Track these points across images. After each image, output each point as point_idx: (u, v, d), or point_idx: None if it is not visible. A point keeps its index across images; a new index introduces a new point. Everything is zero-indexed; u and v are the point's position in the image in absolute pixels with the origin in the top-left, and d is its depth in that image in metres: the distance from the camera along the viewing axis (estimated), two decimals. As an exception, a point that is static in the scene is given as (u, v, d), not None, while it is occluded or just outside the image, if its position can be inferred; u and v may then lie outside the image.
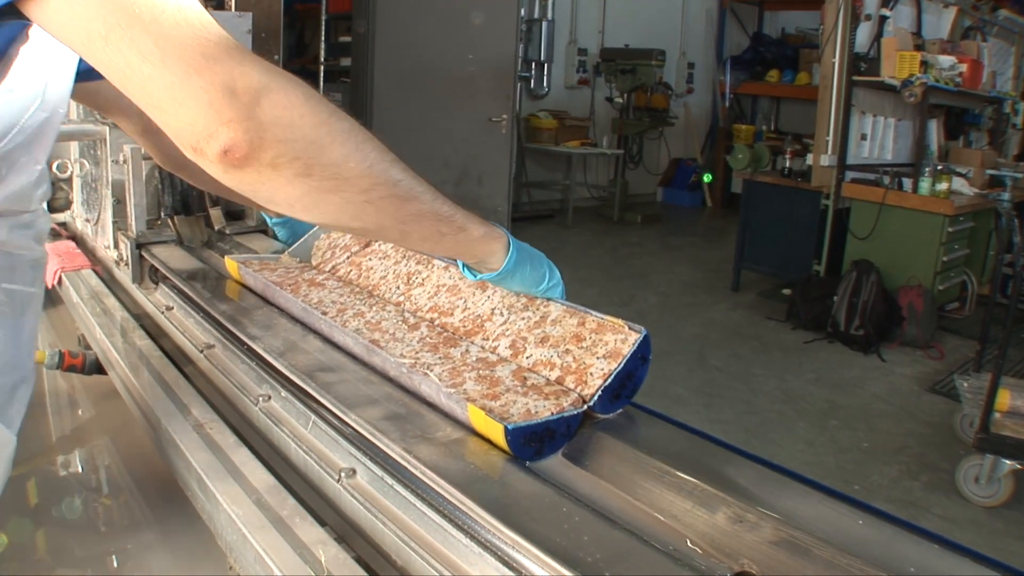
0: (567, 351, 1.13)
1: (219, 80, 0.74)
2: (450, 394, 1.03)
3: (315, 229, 1.79)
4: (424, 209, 0.97)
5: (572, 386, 1.07)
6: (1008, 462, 3.45)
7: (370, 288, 1.50)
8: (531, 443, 0.96)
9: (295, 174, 0.80)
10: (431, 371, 1.11)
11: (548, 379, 1.10)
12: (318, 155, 0.80)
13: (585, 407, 1.03)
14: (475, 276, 1.15)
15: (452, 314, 1.32)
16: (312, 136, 0.79)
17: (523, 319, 1.24)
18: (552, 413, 1.00)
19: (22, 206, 1.08)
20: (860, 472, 3.84)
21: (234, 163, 0.76)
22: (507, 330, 1.23)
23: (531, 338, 1.19)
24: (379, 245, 1.67)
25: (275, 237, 2.01)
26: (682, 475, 0.91)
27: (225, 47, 0.76)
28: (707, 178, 6.72)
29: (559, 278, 1.23)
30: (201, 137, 0.75)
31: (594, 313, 1.20)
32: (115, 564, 1.48)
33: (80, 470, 1.82)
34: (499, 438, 0.95)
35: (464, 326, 1.28)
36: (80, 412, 2.08)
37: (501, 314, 1.26)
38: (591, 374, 1.07)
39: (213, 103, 0.73)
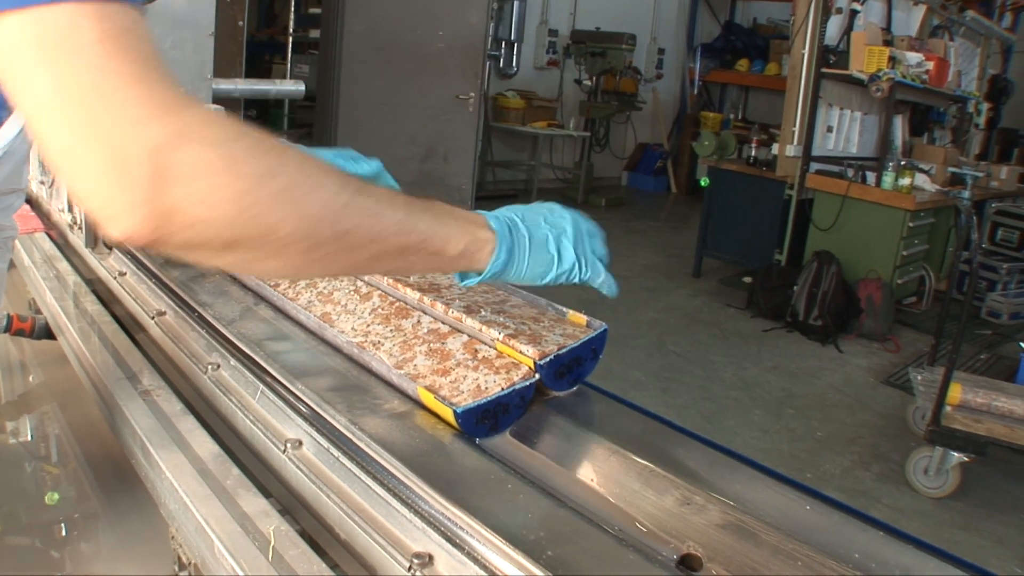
0: (523, 323, 1.12)
1: (114, 148, 0.61)
2: (400, 375, 1.02)
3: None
4: (384, 248, 0.82)
5: (524, 344, 1.05)
6: (956, 454, 3.50)
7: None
8: (483, 421, 0.95)
9: (215, 251, 0.69)
10: (381, 346, 1.10)
11: (499, 339, 1.08)
12: (242, 231, 0.68)
13: (536, 377, 1.02)
14: (462, 281, 1.00)
15: (408, 275, 1.29)
16: (232, 213, 0.66)
17: (482, 296, 1.22)
18: (503, 388, 0.99)
19: (14, 185, 1.06)
20: (813, 461, 3.88)
21: (141, 244, 0.65)
22: (463, 297, 1.21)
23: (488, 307, 1.17)
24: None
25: None
26: (632, 456, 0.90)
27: (131, 94, 0.62)
28: (704, 182, 6.73)
29: (573, 260, 1.04)
30: (98, 216, 0.63)
31: (556, 307, 1.19)
32: (63, 533, 1.46)
33: (29, 437, 1.79)
34: (450, 419, 0.94)
35: (420, 287, 1.25)
36: (31, 378, 2.04)
37: (459, 288, 1.25)
38: (546, 340, 1.06)
39: (104, 181, 0.61)
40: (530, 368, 1.03)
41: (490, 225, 0.96)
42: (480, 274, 0.96)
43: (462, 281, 0.99)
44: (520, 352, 1.04)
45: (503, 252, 0.96)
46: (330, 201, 0.75)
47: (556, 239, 1.02)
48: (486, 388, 0.98)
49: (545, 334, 1.08)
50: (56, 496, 1.46)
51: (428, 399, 0.97)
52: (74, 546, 1.35)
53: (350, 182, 0.78)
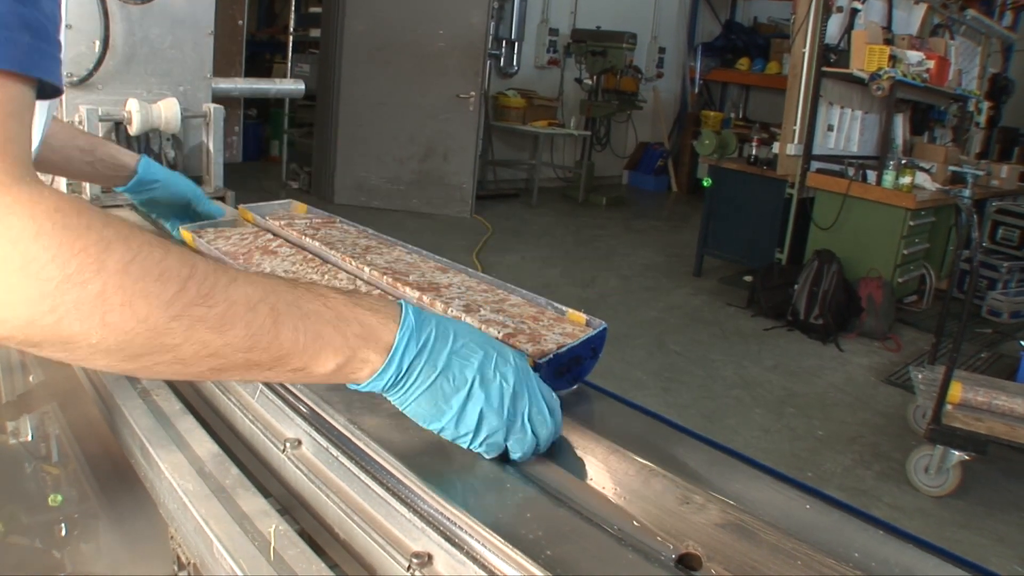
0: (523, 322, 1.12)
1: None
2: None
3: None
4: (226, 364, 0.72)
5: (524, 343, 1.05)
6: (957, 453, 3.50)
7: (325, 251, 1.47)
8: None
9: (19, 344, 0.64)
10: None
11: (498, 338, 1.07)
12: (40, 335, 0.62)
13: (535, 365, 1.01)
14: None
15: (407, 276, 1.29)
16: (26, 317, 0.61)
17: (481, 296, 1.22)
18: None
19: None
20: (814, 460, 3.88)
21: None
22: (463, 296, 1.21)
23: (488, 306, 1.17)
24: (340, 223, 1.65)
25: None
26: (631, 455, 0.90)
27: None
28: (706, 182, 6.73)
29: (474, 424, 0.85)
30: None
31: (555, 305, 1.19)
32: (63, 533, 1.46)
33: (30, 437, 1.79)
34: None
35: (420, 286, 1.25)
36: (31, 378, 2.04)
37: (459, 288, 1.25)
38: (545, 340, 1.06)
39: None
40: (531, 358, 1.01)
41: (391, 339, 0.82)
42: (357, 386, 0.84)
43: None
44: (519, 351, 1.04)
45: (389, 376, 0.82)
46: (151, 314, 0.65)
47: (471, 392, 0.85)
48: None
49: (544, 333, 1.08)
50: (59, 498, 1.46)
51: None
52: (74, 546, 1.35)
53: (193, 280, 0.68)
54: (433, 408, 0.84)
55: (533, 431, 0.88)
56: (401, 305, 0.84)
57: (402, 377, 0.82)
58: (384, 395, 0.85)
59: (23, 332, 0.61)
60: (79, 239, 0.61)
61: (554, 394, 0.92)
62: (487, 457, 0.88)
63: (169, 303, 0.66)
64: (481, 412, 0.85)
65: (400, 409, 0.86)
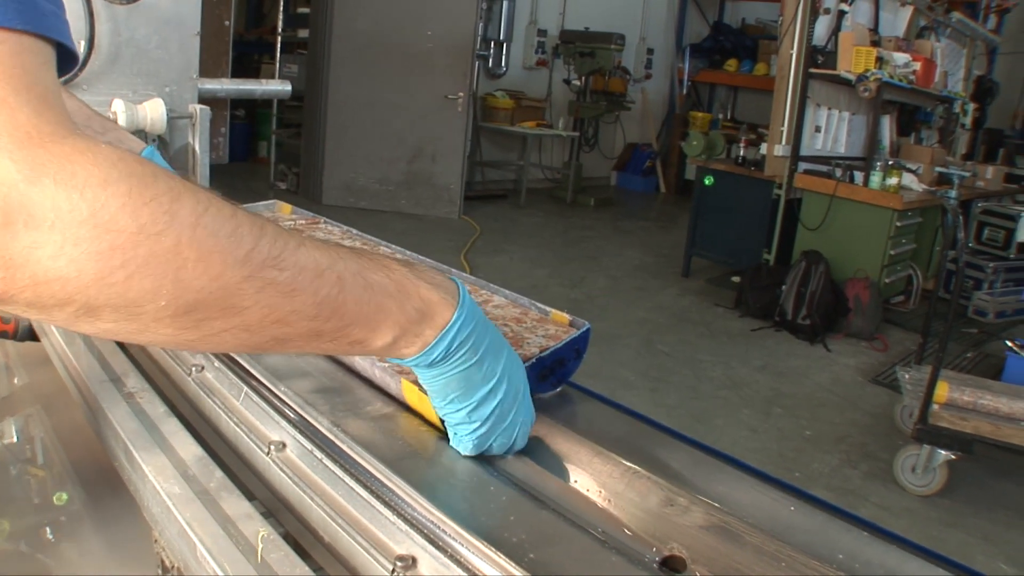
0: (505, 325, 1.12)
1: None
2: (384, 367, 1.01)
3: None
4: (290, 333, 0.69)
5: None
6: (943, 452, 3.52)
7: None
8: None
9: (72, 316, 0.58)
10: None
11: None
12: (105, 297, 0.57)
13: None
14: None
15: None
16: (93, 274, 0.55)
17: (465, 296, 1.22)
18: None
19: None
20: (801, 460, 3.89)
21: None
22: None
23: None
24: (324, 223, 1.65)
25: None
26: (615, 457, 0.90)
27: None
28: (708, 180, 6.74)
29: (500, 401, 0.86)
30: None
31: (538, 306, 1.18)
32: (49, 536, 1.45)
33: (15, 439, 1.78)
34: (431, 410, 0.93)
35: None
36: (16, 380, 2.03)
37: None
38: (528, 343, 1.06)
39: None
40: None
41: (447, 319, 0.81)
42: (397, 360, 0.82)
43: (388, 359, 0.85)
44: None
45: (437, 354, 0.81)
46: (225, 270, 0.62)
47: (494, 387, 0.86)
48: None
49: (527, 336, 1.08)
50: (64, 496, 1.46)
51: (411, 393, 0.96)
52: (59, 549, 1.35)
53: (264, 240, 0.65)
54: (458, 391, 0.85)
55: (516, 431, 0.90)
56: (456, 283, 0.84)
57: (446, 357, 0.82)
58: (414, 369, 0.84)
59: (86, 293, 0.56)
60: (148, 188, 0.57)
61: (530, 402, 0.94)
62: (467, 452, 0.89)
63: (242, 262, 0.62)
64: (496, 407, 0.86)
65: (421, 382, 0.86)
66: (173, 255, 0.58)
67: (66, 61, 0.65)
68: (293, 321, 0.68)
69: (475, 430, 0.87)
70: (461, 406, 0.85)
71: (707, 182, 6.84)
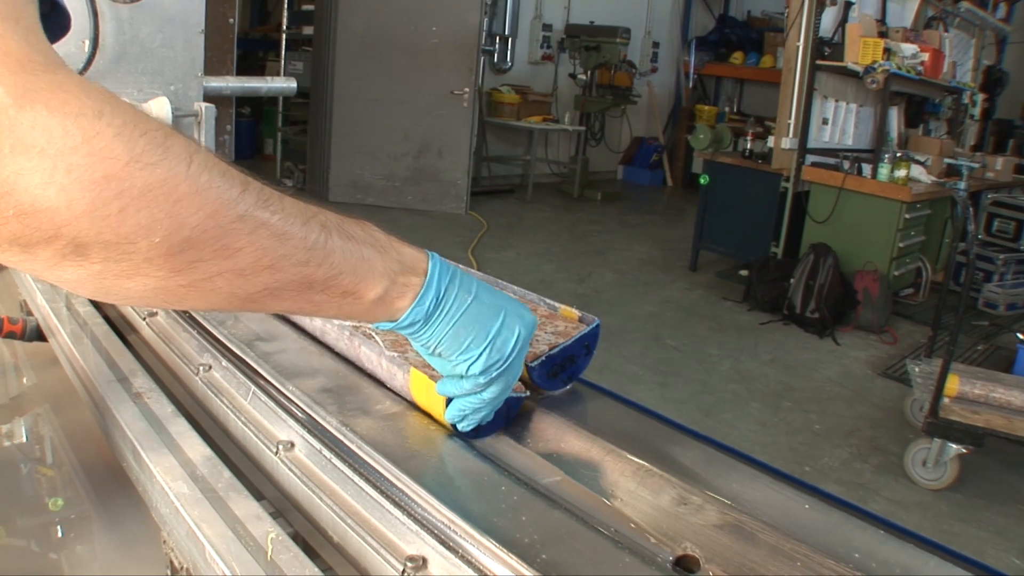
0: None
1: None
2: (393, 357, 1.00)
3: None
4: (283, 280, 0.68)
5: None
6: (954, 446, 3.50)
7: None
8: None
9: (57, 255, 0.55)
10: (372, 339, 1.08)
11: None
12: (96, 230, 0.54)
13: (527, 394, 1.00)
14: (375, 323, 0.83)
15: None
16: (85, 204, 0.53)
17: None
18: None
19: None
20: (812, 454, 3.88)
21: None
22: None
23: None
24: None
25: None
26: (627, 455, 0.89)
27: None
28: (703, 179, 6.73)
29: (510, 353, 0.85)
30: None
31: (548, 301, 1.17)
32: (59, 535, 1.45)
33: (24, 439, 1.78)
34: (439, 407, 0.92)
35: None
36: (24, 380, 2.03)
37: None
38: (537, 340, 1.05)
39: None
40: (520, 385, 0.99)
41: (425, 266, 0.81)
42: (395, 322, 0.81)
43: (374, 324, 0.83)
44: None
45: (430, 299, 0.80)
46: (220, 208, 0.61)
47: (506, 318, 0.85)
48: None
49: (537, 333, 1.07)
50: (60, 502, 1.45)
51: (419, 381, 0.95)
52: (70, 549, 1.34)
53: (251, 186, 0.65)
54: (472, 334, 0.83)
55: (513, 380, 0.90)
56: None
57: (441, 300, 0.81)
58: (420, 334, 0.83)
59: (76, 226, 0.54)
60: (142, 122, 0.57)
61: None
62: (467, 391, 0.87)
63: (236, 200, 0.62)
64: (517, 338, 0.85)
65: (434, 347, 0.84)
66: (170, 188, 0.57)
67: (57, 27, 0.64)
68: (285, 266, 0.67)
69: (501, 370, 0.85)
70: (482, 347, 0.84)
71: (703, 181, 6.82)
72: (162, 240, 0.58)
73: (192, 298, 0.64)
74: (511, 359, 0.85)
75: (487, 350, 0.84)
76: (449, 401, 0.91)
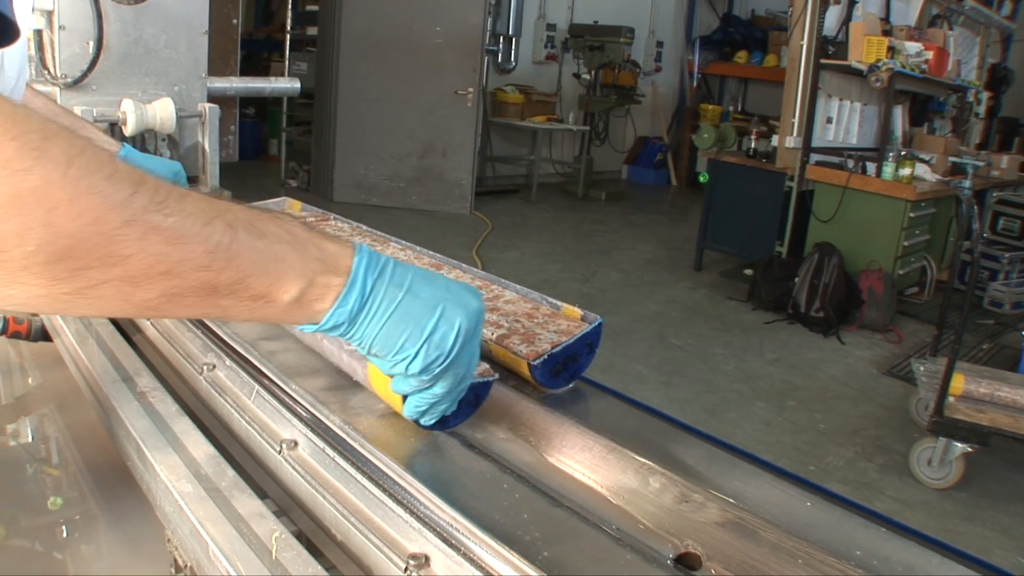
0: (517, 321, 1.11)
1: None
2: (353, 351, 0.97)
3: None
4: (182, 286, 0.64)
5: (518, 344, 1.04)
6: (960, 445, 3.50)
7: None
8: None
9: None
10: None
11: (492, 340, 1.06)
12: None
13: (495, 376, 0.96)
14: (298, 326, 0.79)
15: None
16: None
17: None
18: None
19: None
20: (816, 453, 3.87)
21: None
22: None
23: (482, 306, 1.17)
24: (334, 220, 1.64)
25: None
26: (629, 453, 0.89)
27: None
28: (703, 178, 6.73)
29: (450, 348, 0.80)
30: None
31: (550, 300, 1.17)
32: (64, 534, 1.46)
33: (30, 439, 1.78)
34: (399, 402, 0.90)
35: None
36: (30, 380, 2.04)
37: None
38: (540, 339, 1.05)
39: None
40: (488, 368, 0.96)
41: (349, 264, 0.76)
42: (317, 324, 0.77)
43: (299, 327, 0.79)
44: (514, 353, 1.03)
45: (353, 300, 0.76)
46: (104, 213, 0.57)
47: (444, 311, 0.80)
48: None
49: (539, 331, 1.07)
50: (60, 501, 1.46)
51: (377, 377, 0.92)
52: (75, 548, 1.35)
53: (144, 188, 0.61)
54: (406, 331, 0.78)
55: (467, 372, 0.85)
56: (353, 242, 0.79)
57: (367, 300, 0.77)
58: (348, 336, 0.79)
59: None
60: (17, 125, 0.54)
61: None
62: (415, 388, 0.84)
63: (122, 205, 0.58)
64: (458, 331, 0.80)
65: (367, 347, 0.80)
66: (42, 195, 0.54)
67: (4, 33, 0.64)
68: (183, 272, 0.63)
69: (442, 366, 0.80)
70: (418, 345, 0.79)
71: (703, 180, 6.82)
72: (37, 249, 0.55)
73: (80, 306, 0.61)
74: (453, 354, 0.80)
75: (424, 348, 0.79)
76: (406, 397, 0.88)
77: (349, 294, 0.75)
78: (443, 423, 0.91)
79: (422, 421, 0.89)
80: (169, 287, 0.64)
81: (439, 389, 0.84)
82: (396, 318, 0.78)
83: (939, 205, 6.19)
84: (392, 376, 0.85)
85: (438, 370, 0.81)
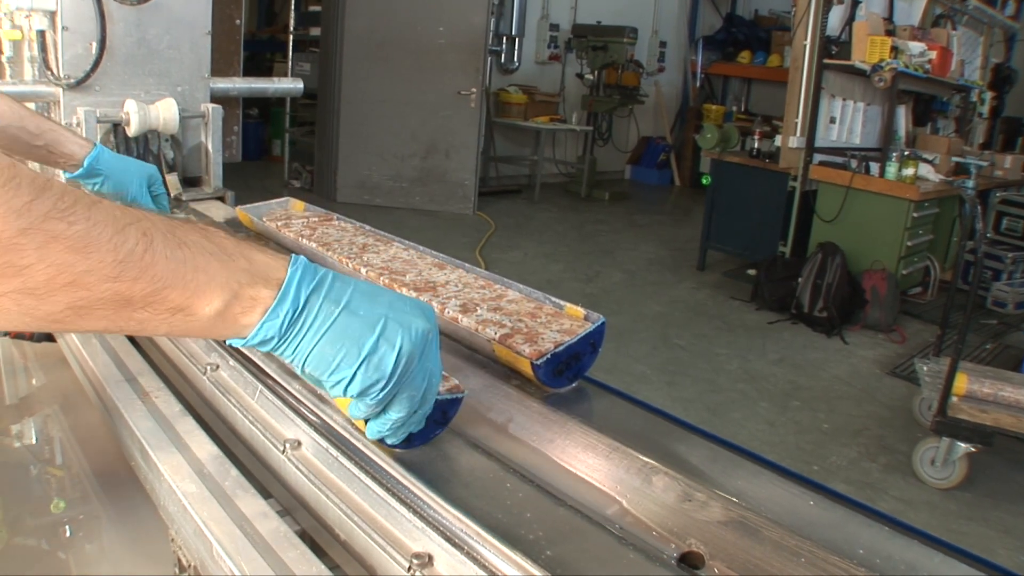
0: (520, 321, 1.11)
1: None
2: None
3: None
4: (90, 298, 0.61)
5: (521, 344, 1.04)
6: (963, 445, 3.49)
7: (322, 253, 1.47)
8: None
9: None
10: None
11: (495, 339, 1.06)
12: None
13: (464, 393, 0.93)
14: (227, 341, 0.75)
15: (404, 275, 1.28)
16: None
17: (478, 293, 1.22)
18: (439, 393, 0.89)
19: None
20: (820, 453, 3.87)
21: None
22: (460, 295, 1.20)
23: (484, 304, 1.16)
24: (337, 220, 1.64)
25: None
26: (632, 452, 0.89)
27: None
28: (705, 180, 6.74)
29: (391, 368, 0.75)
30: None
31: (553, 300, 1.17)
32: (68, 534, 1.46)
33: (34, 440, 1.79)
34: (361, 423, 0.88)
35: (416, 286, 1.24)
36: (33, 381, 2.04)
37: (456, 285, 1.24)
38: (543, 339, 1.05)
39: None
40: (457, 385, 0.93)
41: (281, 276, 0.72)
42: (244, 339, 0.72)
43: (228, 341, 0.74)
44: (517, 353, 1.03)
45: (284, 314, 0.71)
46: (21, 212, 0.55)
47: (383, 331, 0.74)
48: None
49: (542, 331, 1.08)
50: (63, 504, 1.46)
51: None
52: (79, 548, 1.35)
53: (47, 194, 0.58)
54: (341, 350, 0.73)
55: (424, 394, 0.80)
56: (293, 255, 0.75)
57: (299, 315, 0.72)
58: (279, 352, 0.74)
59: None
60: None
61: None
62: (367, 413, 0.79)
63: (19, 212, 0.55)
64: (398, 356, 0.74)
65: (300, 366, 0.75)
66: None
67: None
68: (90, 283, 0.60)
69: (381, 391, 0.76)
70: (355, 367, 0.74)
71: (704, 182, 6.82)
72: None
73: None
74: (395, 378, 0.75)
75: (361, 369, 0.74)
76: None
77: (280, 307, 0.71)
78: (408, 442, 0.88)
79: (388, 442, 0.87)
80: (76, 299, 0.60)
81: (394, 414, 0.81)
82: (331, 336, 0.73)
83: (942, 205, 6.19)
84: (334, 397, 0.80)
85: (381, 395, 0.76)
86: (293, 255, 0.74)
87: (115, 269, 0.61)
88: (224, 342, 1.10)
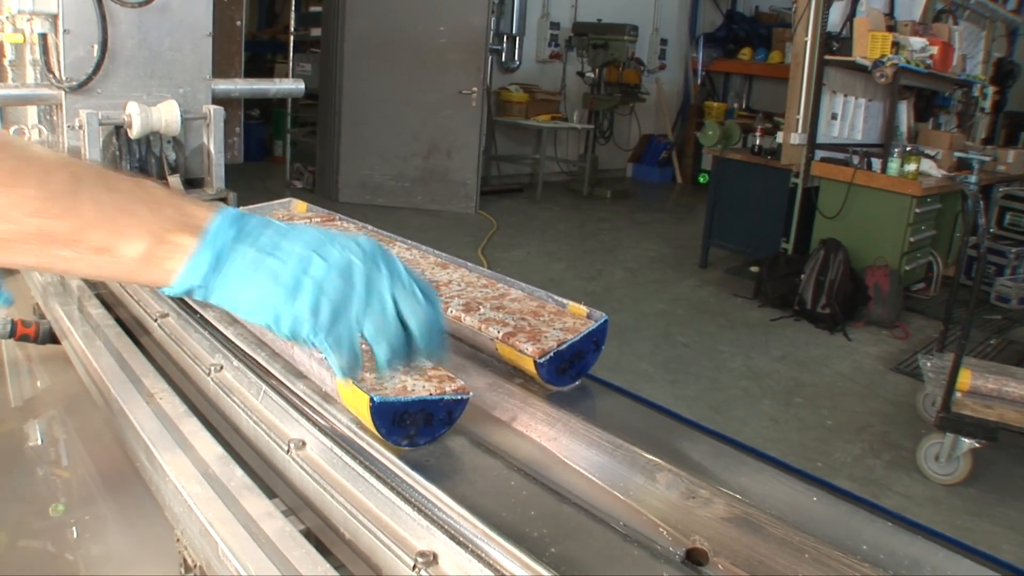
0: (523, 319, 1.11)
1: None
2: (320, 359, 0.96)
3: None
4: (15, 233, 0.62)
5: (524, 342, 1.04)
6: (967, 441, 3.49)
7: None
8: (401, 423, 0.89)
9: None
10: None
11: (498, 338, 1.06)
12: None
13: (471, 395, 0.93)
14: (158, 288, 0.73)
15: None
16: None
17: (481, 292, 1.22)
18: (431, 393, 0.90)
19: None
20: (823, 449, 3.87)
21: None
22: (462, 294, 1.20)
23: (487, 303, 1.17)
24: (340, 220, 1.65)
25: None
26: (636, 449, 0.89)
27: None
28: (703, 178, 6.74)
29: (313, 305, 0.71)
30: None
31: (556, 298, 1.18)
32: (75, 535, 1.46)
33: (39, 442, 1.79)
34: (364, 411, 0.88)
35: None
36: (38, 383, 2.04)
37: (459, 284, 1.24)
38: (546, 337, 1.05)
39: None
40: (463, 386, 0.93)
41: (205, 224, 0.71)
42: (169, 286, 0.71)
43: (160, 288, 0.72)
44: (520, 351, 1.03)
45: (206, 259, 0.70)
46: None
47: (308, 263, 0.72)
48: (412, 390, 0.91)
49: (545, 329, 1.08)
50: (61, 508, 1.46)
51: (344, 389, 0.92)
52: (85, 549, 1.35)
53: None
54: (265, 292, 0.71)
55: (399, 315, 0.75)
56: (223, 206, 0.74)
57: (221, 260, 0.71)
58: (208, 298, 0.72)
59: None
60: None
61: (427, 282, 0.80)
62: (341, 360, 0.75)
63: None
64: (322, 284, 0.72)
65: (234, 310, 0.74)
66: None
67: None
68: (15, 217, 0.61)
69: (316, 328, 0.72)
70: (279, 307, 0.71)
71: (702, 180, 6.82)
72: None
73: None
74: (330, 308, 0.72)
75: (290, 305, 0.71)
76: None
77: (201, 253, 0.70)
78: (412, 442, 0.89)
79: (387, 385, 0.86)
80: (2, 232, 0.62)
81: (380, 353, 0.77)
82: (256, 279, 0.71)
83: (945, 201, 6.18)
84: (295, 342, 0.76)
85: (331, 330, 0.72)
86: (224, 207, 0.74)
87: (40, 204, 0.62)
88: (232, 343, 1.11)
